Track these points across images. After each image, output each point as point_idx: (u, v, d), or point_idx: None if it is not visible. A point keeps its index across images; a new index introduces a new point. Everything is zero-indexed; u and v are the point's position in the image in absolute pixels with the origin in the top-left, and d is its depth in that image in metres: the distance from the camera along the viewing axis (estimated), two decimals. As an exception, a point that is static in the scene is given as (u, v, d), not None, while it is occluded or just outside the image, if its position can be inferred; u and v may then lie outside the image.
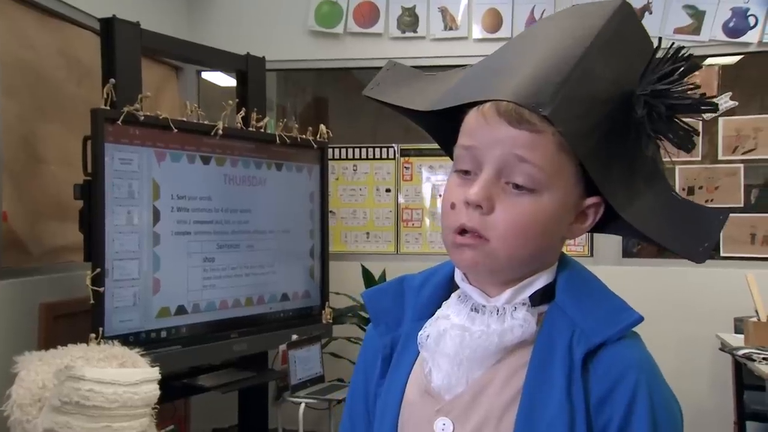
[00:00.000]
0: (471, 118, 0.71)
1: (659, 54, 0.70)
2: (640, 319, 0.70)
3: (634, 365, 0.68)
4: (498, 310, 0.72)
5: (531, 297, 0.73)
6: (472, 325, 0.73)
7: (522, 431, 0.68)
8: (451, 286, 0.79)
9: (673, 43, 0.70)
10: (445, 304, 0.78)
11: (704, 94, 0.70)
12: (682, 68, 0.69)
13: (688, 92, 0.69)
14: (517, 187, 0.68)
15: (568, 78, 0.67)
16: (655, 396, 0.68)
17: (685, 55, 0.69)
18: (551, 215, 0.70)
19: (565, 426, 0.67)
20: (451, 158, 0.75)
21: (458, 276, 0.77)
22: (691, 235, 0.75)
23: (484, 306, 0.73)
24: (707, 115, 2.67)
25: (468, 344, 0.72)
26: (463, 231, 0.70)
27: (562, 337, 0.70)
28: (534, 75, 0.68)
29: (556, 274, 0.74)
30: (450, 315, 0.76)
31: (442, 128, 0.79)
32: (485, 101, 0.69)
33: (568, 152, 0.68)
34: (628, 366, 0.68)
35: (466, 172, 0.71)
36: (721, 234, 3.23)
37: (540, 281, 0.73)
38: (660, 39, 0.72)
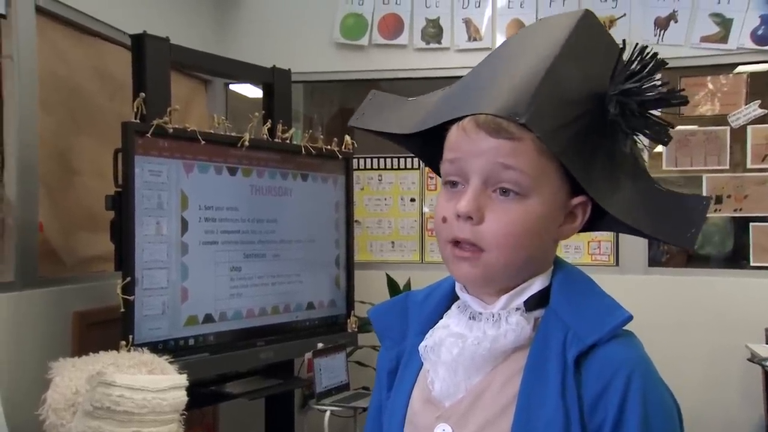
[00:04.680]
0: (452, 134, 0.74)
1: (626, 55, 0.73)
2: (629, 318, 0.71)
3: (625, 364, 0.70)
4: (494, 317, 0.75)
5: (526, 302, 0.74)
6: (470, 333, 0.75)
7: None
8: (452, 298, 0.82)
9: (637, 44, 0.74)
10: (446, 315, 0.81)
11: (673, 88, 0.73)
12: (648, 66, 0.72)
13: (657, 88, 0.72)
14: (504, 193, 0.71)
15: (541, 86, 0.70)
16: (649, 394, 0.69)
17: (650, 53, 0.73)
18: (541, 218, 0.72)
19: (561, 428, 0.68)
20: (439, 175, 0.78)
21: (458, 286, 0.80)
22: (677, 223, 0.76)
23: (480, 313, 0.76)
24: (735, 124, 2.64)
25: (463, 351, 0.74)
26: (457, 243, 0.73)
27: (556, 341, 0.71)
28: (508, 86, 0.71)
29: (552, 279, 0.76)
30: (450, 325, 0.78)
31: (428, 148, 0.82)
32: (464, 117, 0.72)
33: (549, 155, 0.71)
34: (619, 365, 0.69)
35: (454, 184, 0.74)
36: (751, 243, 3.21)
37: (534, 286, 0.75)
38: (624, 41, 0.75)
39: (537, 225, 0.72)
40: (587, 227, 0.78)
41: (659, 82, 0.72)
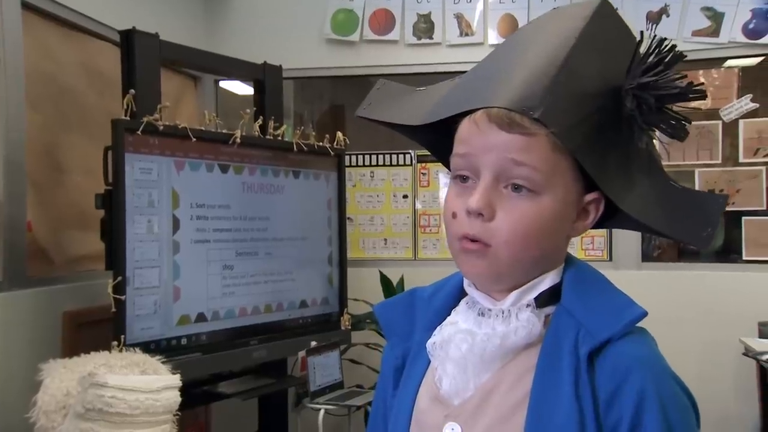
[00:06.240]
0: (464, 127, 0.72)
1: (643, 47, 0.71)
2: (644, 314, 0.70)
3: (639, 362, 0.68)
4: (504, 313, 0.73)
5: (537, 298, 0.73)
6: (479, 329, 0.73)
7: None
8: (460, 295, 0.80)
9: (655, 36, 0.71)
10: (454, 312, 0.79)
11: (691, 82, 0.70)
12: (666, 59, 0.70)
13: (675, 82, 0.70)
14: (516, 190, 0.69)
15: (556, 79, 0.68)
16: (665, 392, 0.67)
17: (668, 46, 0.70)
18: (553, 215, 0.70)
19: (576, 427, 0.66)
20: (449, 168, 0.76)
21: (467, 282, 0.78)
22: (693, 222, 0.75)
23: (490, 309, 0.74)
24: (727, 118, 2.64)
25: (473, 348, 0.72)
26: (466, 238, 0.71)
27: (567, 338, 0.70)
28: (522, 79, 0.69)
29: (563, 275, 0.74)
30: (458, 321, 0.76)
31: (437, 140, 0.80)
32: (476, 109, 0.70)
33: (563, 151, 0.69)
34: (633, 363, 0.68)
35: (464, 179, 0.72)
36: (743, 237, 3.22)
37: (545, 282, 0.73)
38: (642, 32, 0.73)
39: (549, 222, 0.70)
40: (600, 224, 0.76)
41: (677, 76, 0.70)
